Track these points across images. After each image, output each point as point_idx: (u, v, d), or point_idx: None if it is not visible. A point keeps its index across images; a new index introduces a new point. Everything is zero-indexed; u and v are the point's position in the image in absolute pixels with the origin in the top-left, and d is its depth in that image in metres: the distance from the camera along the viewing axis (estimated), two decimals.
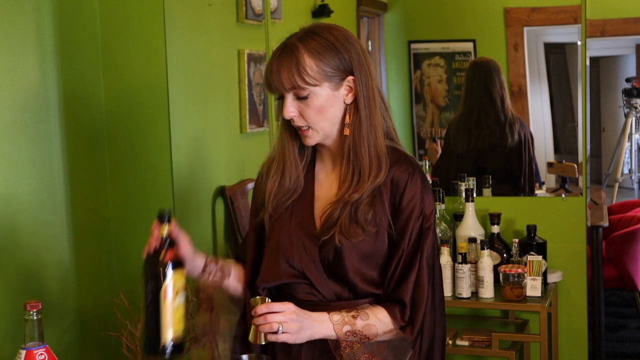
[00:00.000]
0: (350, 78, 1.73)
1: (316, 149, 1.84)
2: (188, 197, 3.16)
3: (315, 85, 1.69)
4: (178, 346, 1.67)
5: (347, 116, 1.74)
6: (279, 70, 1.69)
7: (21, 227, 2.66)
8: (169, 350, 1.65)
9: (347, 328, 1.66)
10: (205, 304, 1.86)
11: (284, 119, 1.78)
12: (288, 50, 1.69)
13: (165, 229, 1.68)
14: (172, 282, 1.64)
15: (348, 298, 1.75)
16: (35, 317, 1.59)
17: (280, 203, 1.80)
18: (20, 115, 2.65)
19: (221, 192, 3.37)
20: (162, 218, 1.69)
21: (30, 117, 2.70)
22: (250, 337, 1.64)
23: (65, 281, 2.87)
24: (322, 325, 1.66)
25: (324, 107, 1.71)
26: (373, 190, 1.72)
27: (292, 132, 1.80)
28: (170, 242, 1.68)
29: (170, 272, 1.65)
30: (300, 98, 1.70)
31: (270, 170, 1.83)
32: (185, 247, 1.75)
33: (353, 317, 1.67)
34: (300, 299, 1.76)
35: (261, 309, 1.60)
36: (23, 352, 1.58)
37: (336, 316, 1.67)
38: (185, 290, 1.68)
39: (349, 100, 1.74)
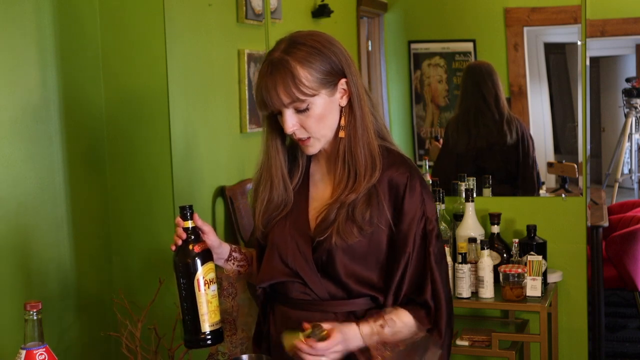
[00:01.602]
0: (343, 80, 1.72)
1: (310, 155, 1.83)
2: (188, 197, 3.15)
3: (313, 95, 1.67)
4: (217, 334, 1.71)
5: (343, 118, 1.73)
6: (275, 87, 1.66)
7: (21, 227, 2.66)
8: (209, 339, 1.70)
9: (376, 338, 1.67)
10: (227, 290, 1.88)
11: (268, 134, 1.78)
12: (278, 66, 1.67)
13: (189, 223, 1.72)
14: (202, 273, 1.69)
15: (342, 297, 1.75)
16: (35, 317, 1.59)
17: (271, 218, 1.81)
18: (20, 116, 2.66)
19: (221, 192, 3.37)
20: (184, 214, 1.72)
21: (30, 117, 2.70)
22: (287, 347, 1.66)
23: (65, 281, 2.87)
24: (354, 340, 1.67)
25: (323, 115, 1.70)
26: (368, 190, 1.71)
27: (278, 144, 1.79)
28: (196, 236, 1.72)
29: (199, 264, 1.70)
30: (300, 111, 1.68)
31: (258, 188, 1.83)
32: (210, 237, 1.78)
33: (381, 326, 1.68)
34: (294, 298, 1.77)
35: (309, 351, 1.61)
36: (23, 352, 1.58)
37: (365, 328, 1.68)
38: (217, 281, 1.73)
39: (344, 102, 1.74)
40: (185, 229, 1.71)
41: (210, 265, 1.71)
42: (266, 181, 1.80)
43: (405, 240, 1.72)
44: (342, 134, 1.73)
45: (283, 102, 1.67)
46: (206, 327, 1.69)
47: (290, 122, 1.68)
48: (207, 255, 1.72)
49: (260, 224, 1.81)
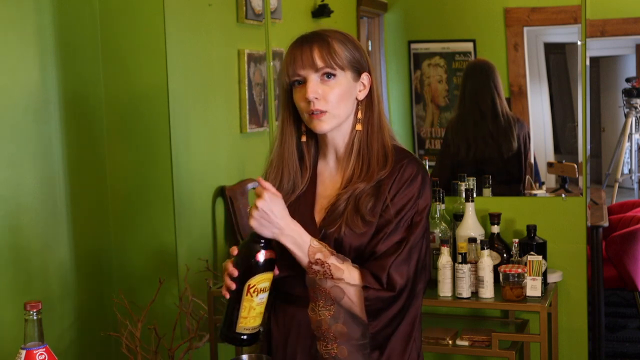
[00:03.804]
0: (365, 75, 1.78)
1: (319, 149, 1.85)
2: (188, 197, 3.16)
3: (342, 70, 1.74)
4: (252, 337, 1.69)
5: (360, 112, 1.79)
6: (311, 50, 1.72)
7: (21, 227, 2.66)
8: (241, 339, 1.68)
9: (319, 255, 1.67)
10: None
11: (285, 118, 1.81)
12: (316, 36, 1.75)
13: None
14: (255, 281, 1.66)
15: None
16: (35, 317, 1.59)
17: None
18: (20, 115, 2.66)
19: (221, 192, 3.37)
20: None
21: (30, 117, 2.70)
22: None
23: (65, 281, 2.87)
24: (298, 236, 1.68)
25: (343, 94, 1.75)
26: (377, 182, 1.74)
27: (293, 131, 1.82)
28: (267, 242, 1.68)
29: (256, 272, 1.66)
30: (328, 77, 1.73)
31: (270, 174, 1.85)
32: None
33: (330, 253, 1.69)
34: (297, 295, 1.77)
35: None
36: (23, 352, 1.58)
37: (316, 242, 1.69)
38: (270, 288, 1.69)
39: (361, 97, 1.79)
40: (258, 235, 1.67)
41: (267, 276, 1.67)
42: (278, 166, 1.83)
43: (388, 221, 1.72)
44: (359, 126, 1.79)
45: (316, 65, 1.72)
46: (241, 328, 1.67)
47: (315, 88, 1.73)
48: (267, 266, 1.67)
49: None
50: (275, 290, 1.82)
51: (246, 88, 3.51)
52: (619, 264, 4.06)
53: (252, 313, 1.66)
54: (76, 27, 2.95)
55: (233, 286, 1.67)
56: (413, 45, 3.67)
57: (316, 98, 1.73)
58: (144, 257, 3.11)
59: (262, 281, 1.66)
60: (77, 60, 2.94)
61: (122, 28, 3.03)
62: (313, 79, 1.73)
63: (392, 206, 1.73)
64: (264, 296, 1.67)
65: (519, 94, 3.47)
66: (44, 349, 1.60)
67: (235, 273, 1.67)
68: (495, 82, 3.37)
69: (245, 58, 3.49)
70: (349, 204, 1.73)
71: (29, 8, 2.70)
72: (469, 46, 3.57)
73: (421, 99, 3.67)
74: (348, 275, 1.69)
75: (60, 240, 2.84)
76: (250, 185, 3.53)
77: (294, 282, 1.77)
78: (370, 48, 3.83)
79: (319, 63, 1.72)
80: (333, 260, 1.68)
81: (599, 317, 3.71)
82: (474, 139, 3.42)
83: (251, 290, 1.65)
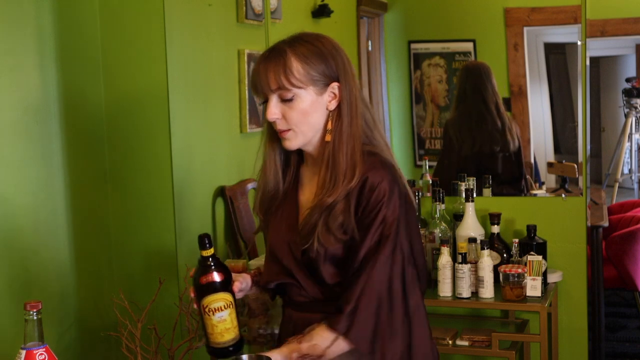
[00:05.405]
0: (334, 84, 1.73)
1: (302, 154, 1.84)
2: (188, 197, 3.16)
3: (300, 88, 1.69)
4: (233, 348, 1.72)
5: (330, 122, 1.74)
6: (266, 72, 1.70)
7: (21, 227, 2.66)
8: (220, 351, 1.71)
9: (295, 355, 1.67)
10: (255, 312, 1.89)
11: (267, 125, 1.80)
12: (276, 53, 1.71)
13: (206, 252, 1.70)
14: (210, 301, 1.68)
15: (336, 298, 1.74)
16: (35, 317, 1.59)
17: (268, 207, 1.84)
18: (20, 116, 2.66)
19: (221, 192, 3.37)
20: (203, 244, 1.70)
21: (30, 117, 2.70)
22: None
23: (65, 281, 2.87)
24: None
25: (307, 111, 1.71)
26: (346, 196, 1.70)
27: (274, 137, 1.81)
28: (216, 264, 1.70)
29: (209, 292, 1.69)
30: (285, 100, 1.70)
31: (260, 177, 1.87)
32: (237, 285, 1.79)
33: (298, 342, 1.68)
34: (295, 300, 1.80)
35: None
36: (23, 352, 1.58)
37: (285, 349, 1.68)
38: (229, 306, 1.70)
39: (332, 106, 1.74)
40: (205, 258, 1.70)
41: (219, 296, 1.69)
42: (263, 169, 1.84)
43: (361, 241, 1.69)
44: (328, 137, 1.73)
45: (270, 87, 1.70)
46: (214, 343, 1.71)
47: (273, 109, 1.71)
48: (219, 287, 1.69)
49: (260, 212, 1.85)
50: (282, 294, 1.85)
51: (246, 88, 3.51)
52: (619, 264, 4.07)
53: (216, 330, 1.69)
54: (76, 28, 2.94)
55: (195, 306, 1.71)
56: (413, 45, 3.67)
57: (277, 118, 1.71)
58: (144, 257, 3.10)
59: (215, 301, 1.68)
60: (77, 60, 2.94)
61: (122, 28, 3.03)
62: (272, 99, 1.71)
63: (359, 222, 1.69)
64: (223, 314, 1.69)
65: (519, 94, 3.47)
66: (44, 349, 1.60)
67: (192, 294, 1.71)
68: (495, 86, 3.38)
69: (245, 58, 3.49)
70: (320, 219, 1.70)
71: (29, 8, 2.70)
72: (469, 46, 3.57)
73: (421, 99, 3.67)
74: (322, 340, 1.66)
75: (60, 240, 2.84)
76: (250, 186, 3.53)
77: (294, 290, 1.79)
78: (370, 48, 3.83)
79: (272, 85, 1.69)
80: (305, 346, 1.66)
81: (599, 317, 3.71)
82: (479, 133, 3.42)
83: (206, 310, 1.68)
